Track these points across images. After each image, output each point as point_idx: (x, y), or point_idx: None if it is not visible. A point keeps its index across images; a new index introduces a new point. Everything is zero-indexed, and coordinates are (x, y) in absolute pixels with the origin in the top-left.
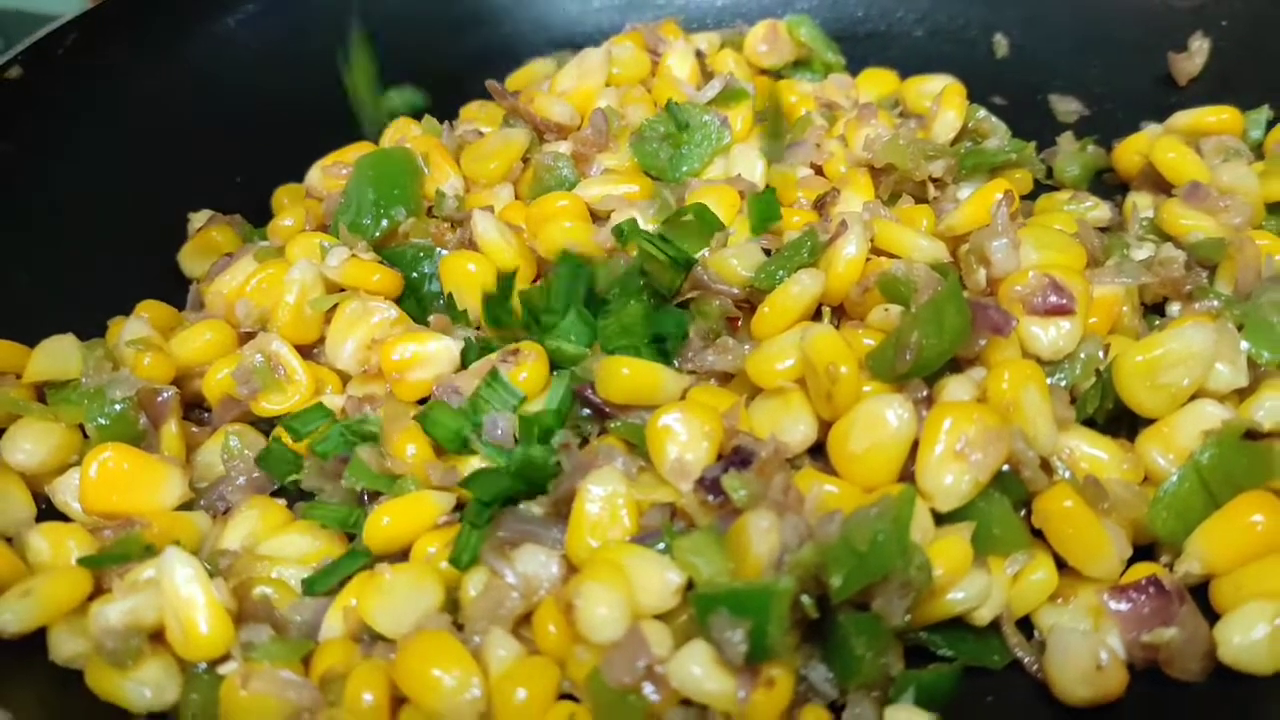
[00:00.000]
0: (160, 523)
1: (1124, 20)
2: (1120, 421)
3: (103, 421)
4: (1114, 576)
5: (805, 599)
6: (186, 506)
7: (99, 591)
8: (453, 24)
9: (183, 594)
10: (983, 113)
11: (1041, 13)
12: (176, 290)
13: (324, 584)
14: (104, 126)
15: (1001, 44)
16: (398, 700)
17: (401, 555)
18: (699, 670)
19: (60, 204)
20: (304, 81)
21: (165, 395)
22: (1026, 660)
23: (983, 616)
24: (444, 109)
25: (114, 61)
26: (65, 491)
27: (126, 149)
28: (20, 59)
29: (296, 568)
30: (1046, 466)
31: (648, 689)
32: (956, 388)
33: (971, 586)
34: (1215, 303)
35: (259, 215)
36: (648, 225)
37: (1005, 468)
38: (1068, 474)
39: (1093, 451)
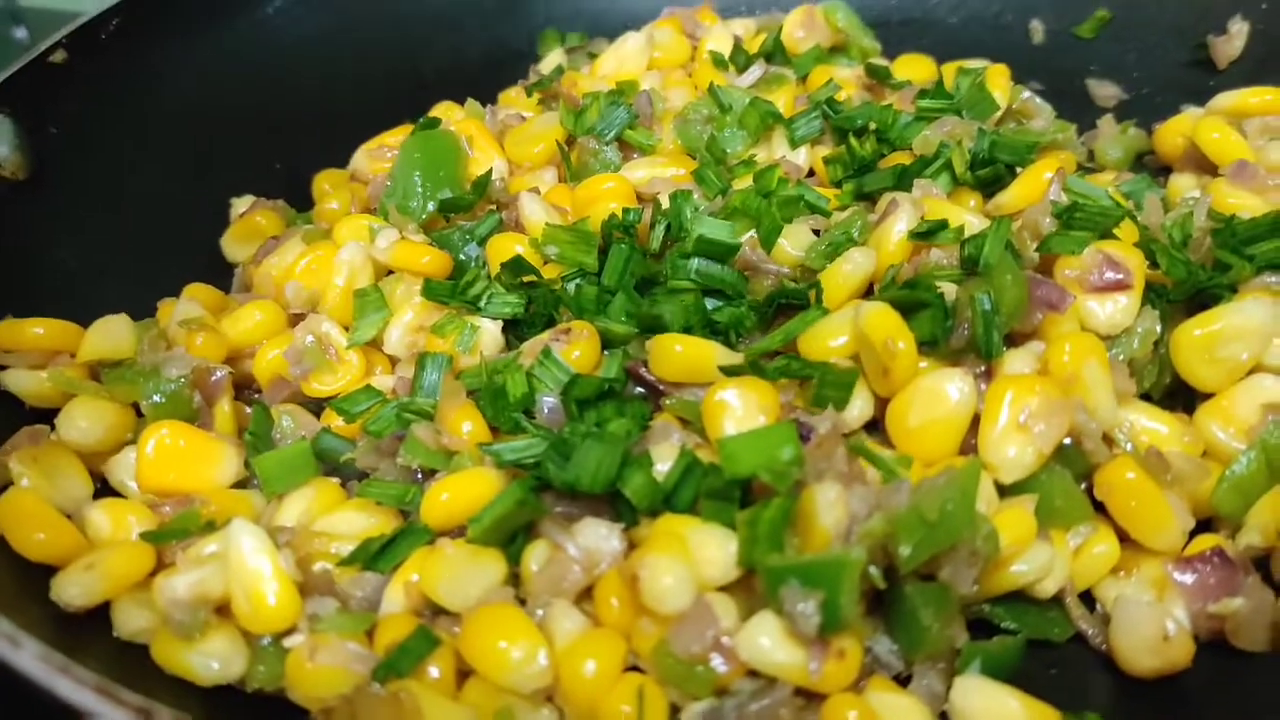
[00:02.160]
0: (217, 500)
1: (1161, 4)
2: (1176, 396)
3: (158, 399)
4: (1177, 548)
5: (873, 570)
6: (240, 485)
7: (160, 566)
8: (489, 11)
9: (250, 565)
10: (1026, 94)
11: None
12: (215, 275)
13: (387, 562)
14: (145, 112)
15: (1038, 29)
16: (464, 673)
17: (459, 531)
18: (768, 641)
19: (102, 189)
20: (342, 68)
21: (219, 374)
22: (1090, 633)
23: (1046, 589)
24: (482, 94)
25: (156, 48)
26: (122, 471)
27: (167, 135)
28: (64, 44)
29: (353, 544)
30: (1108, 439)
31: (715, 660)
32: (1017, 361)
33: (1035, 559)
34: (1274, 279)
35: (298, 201)
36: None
37: (1067, 441)
38: (1129, 446)
39: (1152, 425)
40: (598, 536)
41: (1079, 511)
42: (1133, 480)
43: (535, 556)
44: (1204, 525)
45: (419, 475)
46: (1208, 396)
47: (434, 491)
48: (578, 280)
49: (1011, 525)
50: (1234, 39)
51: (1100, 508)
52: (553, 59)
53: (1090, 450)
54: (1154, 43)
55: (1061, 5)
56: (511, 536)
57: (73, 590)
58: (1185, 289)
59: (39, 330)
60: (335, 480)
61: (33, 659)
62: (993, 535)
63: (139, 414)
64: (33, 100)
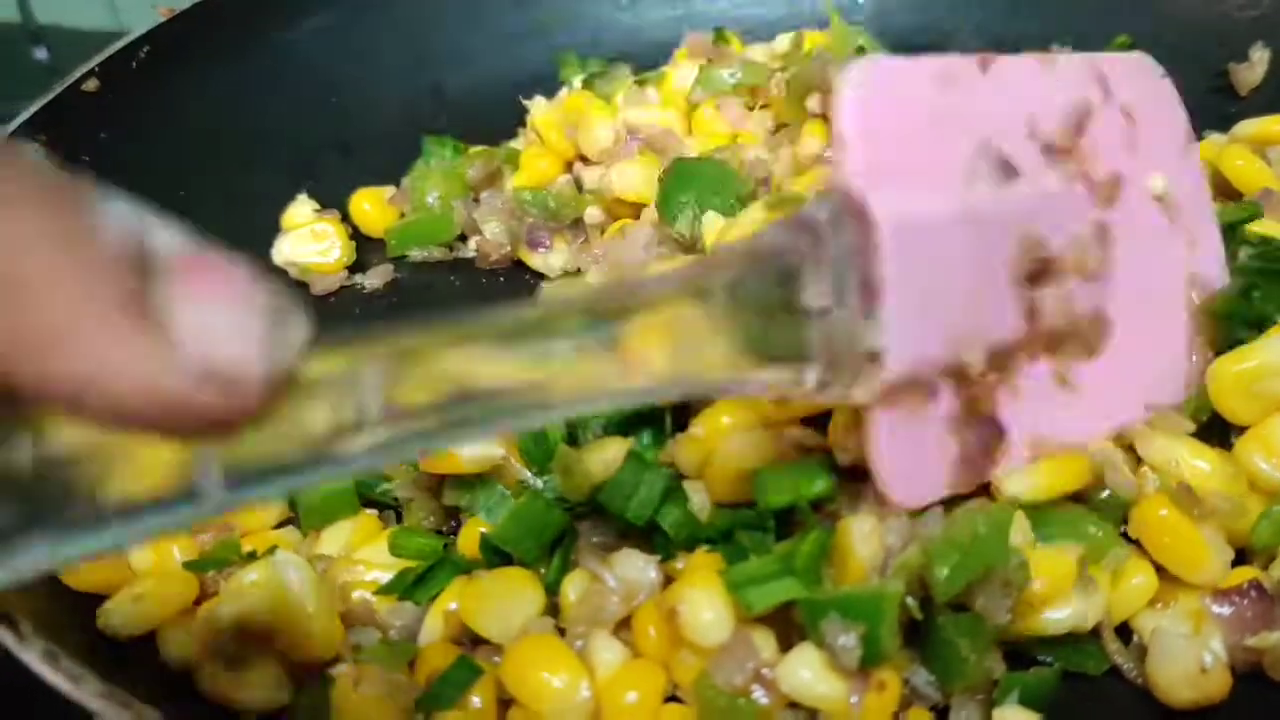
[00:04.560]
0: (256, 537)
1: (1181, 30)
2: (1211, 428)
3: None
4: (1218, 582)
5: (910, 600)
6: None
7: (201, 595)
8: (509, 35)
9: (295, 596)
10: None
11: (1097, 23)
12: None
13: (424, 593)
14: (176, 140)
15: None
16: (505, 702)
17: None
18: (809, 674)
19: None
20: (368, 90)
21: None
22: (1126, 667)
23: (1083, 625)
24: (505, 116)
25: (187, 74)
26: None
27: (198, 162)
28: (96, 71)
29: (391, 573)
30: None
31: (757, 692)
32: None
33: (1073, 608)
34: None
35: None
36: None
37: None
38: (1156, 482)
39: (1197, 464)
40: (635, 568)
41: (1109, 541)
42: (1166, 518)
43: (574, 587)
44: (1238, 556)
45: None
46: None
47: (472, 524)
48: None
49: (1049, 568)
50: (1256, 66)
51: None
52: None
53: (1121, 490)
54: (1174, 69)
55: (1082, 30)
56: (545, 555)
57: (120, 619)
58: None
59: None
60: (373, 511)
61: (94, 696)
62: (1024, 566)
63: None
64: (65, 129)
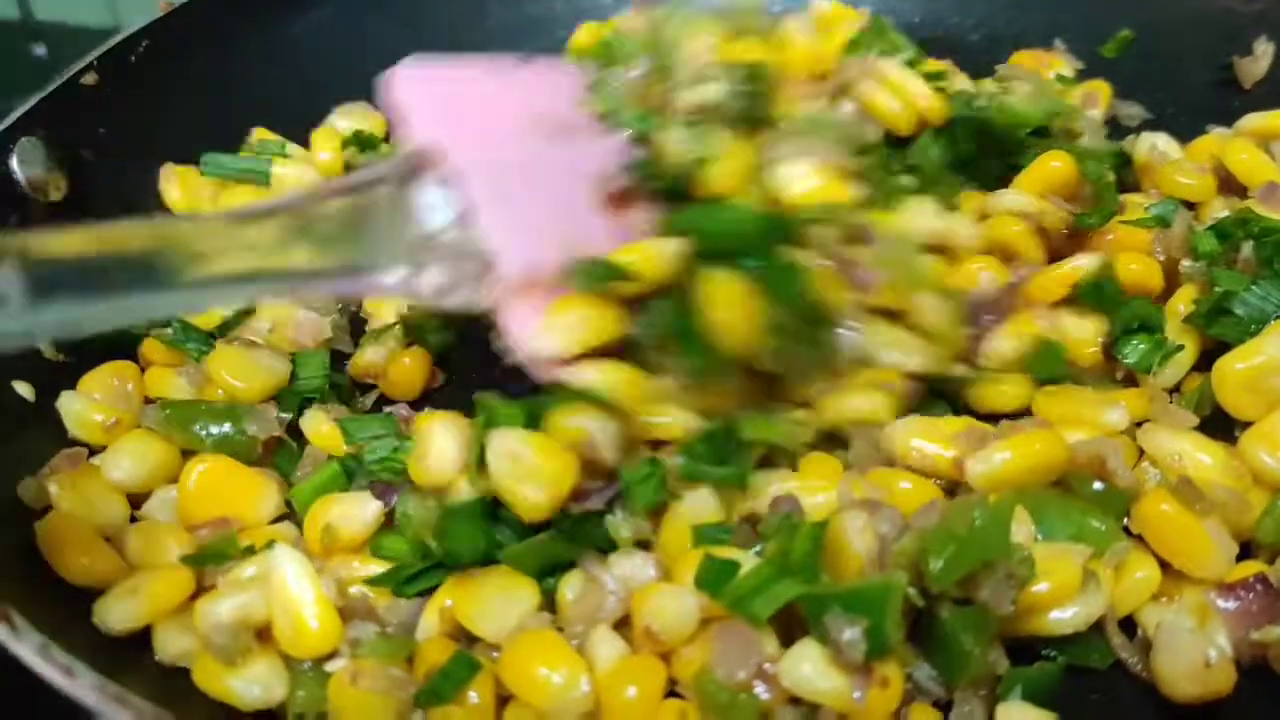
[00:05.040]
0: (253, 535)
1: (1185, 24)
2: (1214, 423)
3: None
4: (1223, 576)
5: (911, 590)
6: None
7: (198, 590)
8: (504, 32)
9: (292, 590)
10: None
11: (1101, 18)
12: None
13: (414, 587)
14: (177, 133)
15: (1061, 49)
16: (503, 698)
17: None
18: (811, 669)
19: (144, 202)
20: (374, 89)
21: None
22: (1131, 660)
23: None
24: None
25: (186, 67)
26: (159, 511)
27: (197, 155)
28: (95, 65)
29: (385, 566)
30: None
31: (758, 688)
32: None
33: (1076, 609)
34: None
35: None
36: None
37: (1098, 485)
38: (1157, 476)
39: (1201, 458)
40: (634, 566)
41: (1111, 536)
42: (1168, 512)
43: (570, 586)
44: (1243, 550)
45: None
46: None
47: None
48: None
49: (1054, 572)
50: (1260, 60)
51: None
52: None
53: (1122, 483)
54: (1178, 63)
55: (1085, 25)
56: (546, 569)
57: (116, 615)
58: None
59: None
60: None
61: (89, 689)
62: (1028, 560)
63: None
64: (64, 123)
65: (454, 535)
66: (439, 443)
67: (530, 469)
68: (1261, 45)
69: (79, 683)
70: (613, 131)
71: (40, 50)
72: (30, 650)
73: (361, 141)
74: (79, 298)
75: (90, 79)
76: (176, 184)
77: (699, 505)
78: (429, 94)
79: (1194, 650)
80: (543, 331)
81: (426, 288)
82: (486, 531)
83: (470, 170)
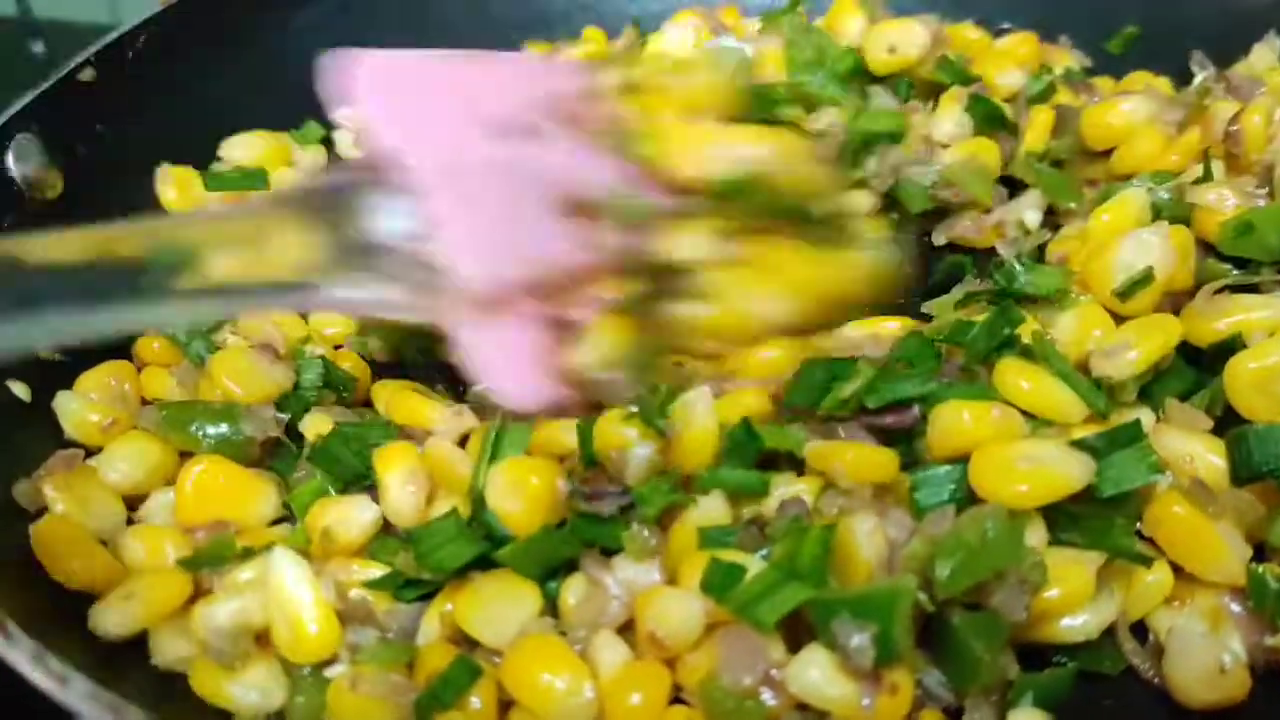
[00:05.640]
0: (251, 538)
1: (1195, 20)
2: (1226, 423)
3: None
4: (1237, 580)
5: (920, 595)
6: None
7: (197, 594)
8: (503, 29)
9: (291, 594)
10: None
11: (1109, 14)
12: None
13: (413, 591)
14: (173, 131)
15: (1066, 45)
16: (506, 703)
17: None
18: (819, 675)
19: (135, 209)
20: None
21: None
22: (1143, 667)
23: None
24: None
25: (184, 64)
26: (156, 514)
27: (196, 153)
28: (92, 61)
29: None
30: None
31: (765, 694)
32: None
33: (1088, 617)
34: None
35: None
36: None
37: None
38: (1170, 478)
39: (1212, 459)
40: (637, 570)
41: (1125, 542)
42: (1180, 514)
43: (573, 591)
44: (1256, 553)
45: None
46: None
47: None
48: None
49: (1067, 579)
50: (1264, 56)
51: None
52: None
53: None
54: (1183, 59)
55: (1090, 21)
56: (548, 573)
57: (112, 620)
58: None
59: None
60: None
61: (81, 699)
62: (1040, 565)
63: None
64: (60, 120)
65: (433, 548)
66: (395, 490)
67: (513, 486)
68: (1272, 41)
69: (72, 691)
70: (584, 136)
71: (39, 47)
72: (24, 658)
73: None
74: (68, 308)
75: (87, 75)
76: (172, 184)
77: (711, 510)
78: (390, 87)
79: (1207, 656)
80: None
81: (378, 300)
82: (469, 539)
83: (430, 178)
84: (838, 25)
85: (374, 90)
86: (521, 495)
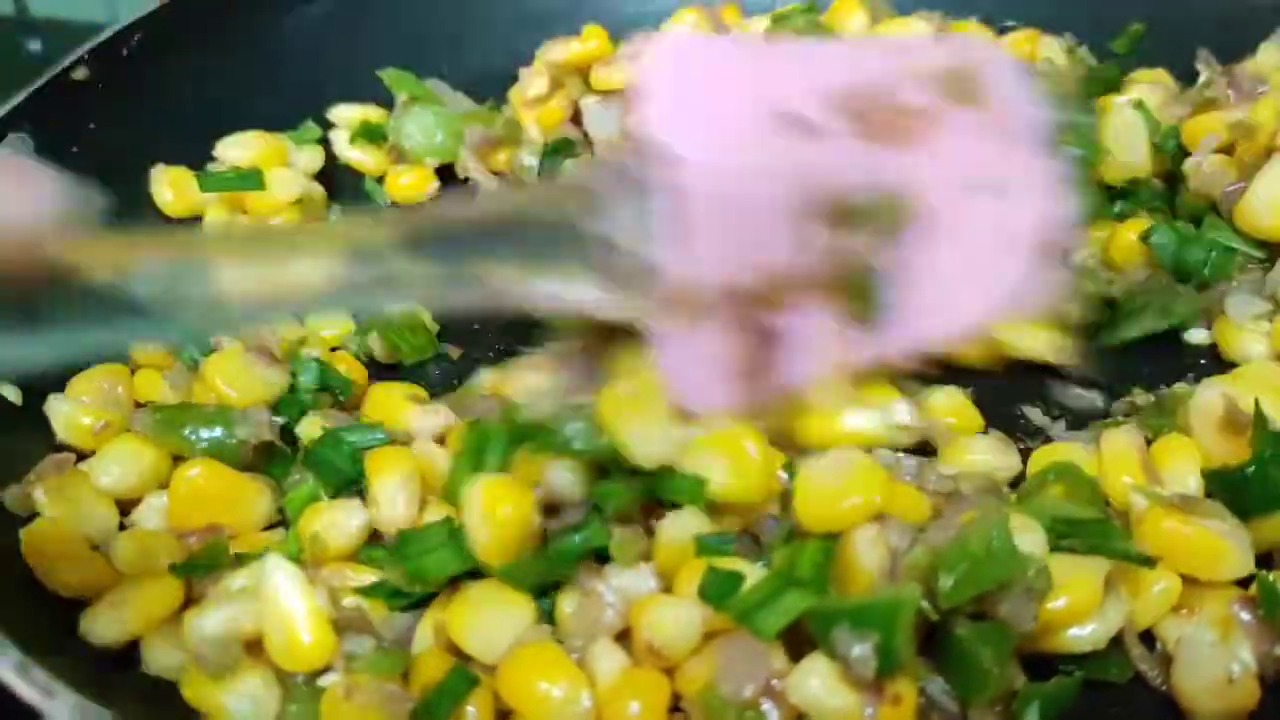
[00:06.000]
0: (245, 544)
1: (1202, 19)
2: None
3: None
4: (1247, 571)
5: (924, 604)
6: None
7: (189, 601)
8: (499, 26)
9: (284, 602)
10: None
11: (1113, 13)
12: None
13: (402, 600)
14: (169, 129)
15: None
16: (503, 713)
17: None
18: (820, 685)
19: (129, 210)
20: (366, 79)
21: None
22: (1151, 674)
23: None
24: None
25: (179, 63)
26: (149, 519)
27: (191, 152)
28: (86, 60)
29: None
30: None
31: (765, 705)
32: None
33: (1096, 626)
34: None
35: None
36: None
37: None
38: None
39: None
40: (632, 578)
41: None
42: (1172, 528)
43: (568, 600)
44: (1263, 561)
45: None
46: None
47: None
48: None
49: (1074, 587)
50: (1272, 53)
51: None
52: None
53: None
54: (1188, 58)
55: (1095, 20)
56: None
57: (102, 628)
58: None
59: None
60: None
61: (69, 709)
62: (1044, 572)
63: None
64: (54, 118)
65: (418, 558)
66: (384, 496)
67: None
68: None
69: (58, 703)
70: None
71: (36, 46)
72: (9, 668)
73: (369, 132)
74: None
75: (81, 74)
76: (167, 185)
77: (690, 517)
78: (683, 72)
79: (1216, 664)
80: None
81: (594, 296)
82: (456, 550)
83: (697, 180)
84: (839, 23)
85: (666, 74)
86: (492, 523)
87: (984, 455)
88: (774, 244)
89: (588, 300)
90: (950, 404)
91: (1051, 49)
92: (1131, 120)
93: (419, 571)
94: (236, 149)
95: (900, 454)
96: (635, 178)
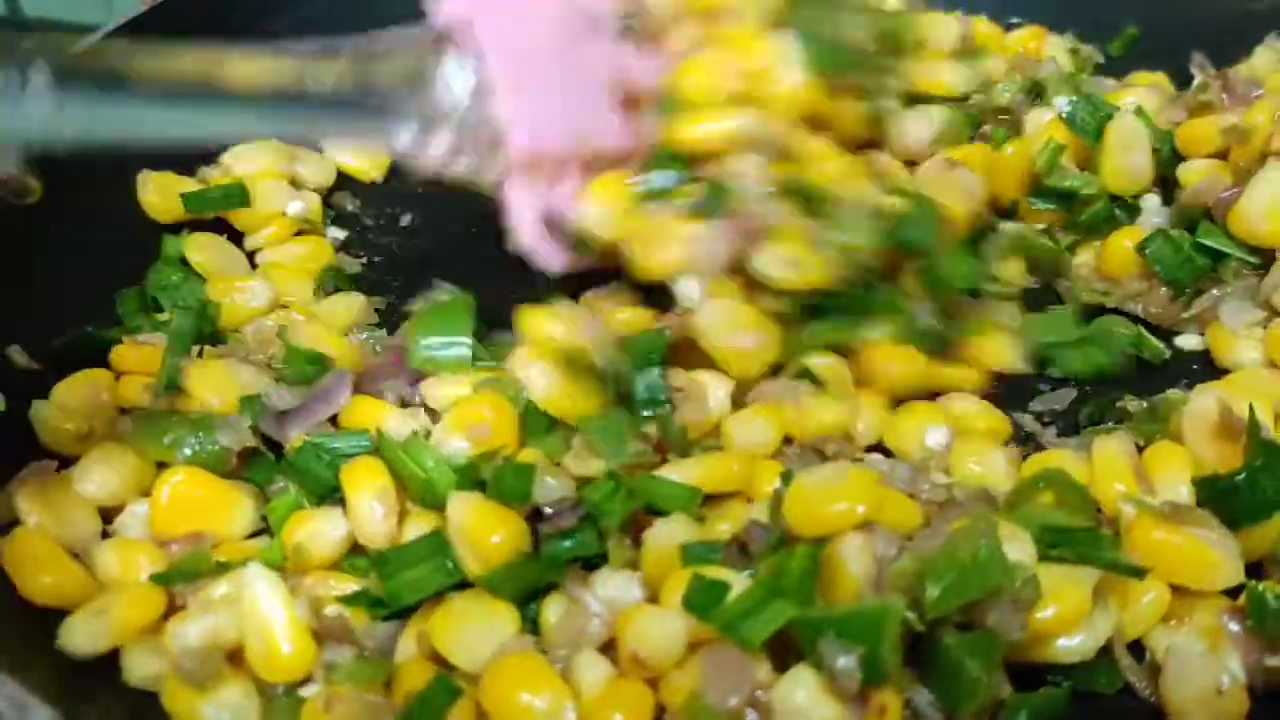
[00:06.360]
0: (227, 552)
1: (1198, 22)
2: None
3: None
4: (1237, 580)
5: (909, 614)
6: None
7: (169, 609)
8: None
9: (265, 611)
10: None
11: (1109, 15)
12: None
13: (384, 609)
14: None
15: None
16: None
17: None
18: (805, 696)
19: (121, 208)
20: None
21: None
22: (1139, 685)
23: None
24: None
25: None
26: (132, 527)
27: (179, 158)
28: None
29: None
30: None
31: (751, 716)
32: None
33: (1084, 636)
34: None
35: None
36: None
37: None
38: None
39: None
40: (618, 587)
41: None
42: (1162, 538)
43: (553, 609)
44: (1254, 570)
45: None
46: None
47: None
48: None
49: (1062, 597)
50: (1266, 57)
51: None
52: None
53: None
54: (1184, 61)
55: (1091, 23)
56: (528, 594)
57: (82, 638)
58: None
59: None
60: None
61: None
62: (1032, 581)
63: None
64: None
65: (397, 573)
66: (361, 508)
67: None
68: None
69: (33, 717)
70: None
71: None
72: None
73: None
74: (102, 99)
75: None
76: (154, 190)
77: (678, 525)
78: None
79: (1205, 675)
80: (585, 201)
81: (435, 151)
82: (436, 568)
83: (493, 52)
84: None
85: None
86: (484, 550)
87: (986, 466)
88: (591, 121)
89: (438, 156)
90: (973, 409)
91: (1055, 47)
92: (1133, 128)
93: (396, 591)
94: (241, 161)
95: (894, 461)
96: (447, 45)
